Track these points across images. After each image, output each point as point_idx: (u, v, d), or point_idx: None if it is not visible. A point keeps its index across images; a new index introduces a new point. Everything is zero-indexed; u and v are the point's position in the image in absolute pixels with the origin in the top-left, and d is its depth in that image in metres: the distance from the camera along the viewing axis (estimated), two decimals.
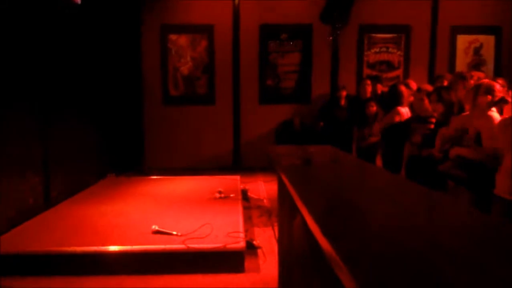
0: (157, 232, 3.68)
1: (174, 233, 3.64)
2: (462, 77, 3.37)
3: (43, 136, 4.72)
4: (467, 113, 3.48)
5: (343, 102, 6.82)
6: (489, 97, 3.21)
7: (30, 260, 3.38)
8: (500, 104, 3.30)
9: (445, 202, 1.75)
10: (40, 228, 3.96)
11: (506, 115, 3.18)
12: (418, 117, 4.18)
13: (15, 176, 4.18)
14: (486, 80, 3.43)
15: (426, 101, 4.09)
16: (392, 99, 4.69)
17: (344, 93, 6.83)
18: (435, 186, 3.19)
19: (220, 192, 5.08)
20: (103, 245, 3.49)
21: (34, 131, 4.57)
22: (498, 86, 3.31)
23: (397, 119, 4.54)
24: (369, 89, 6.09)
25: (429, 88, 4.33)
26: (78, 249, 3.43)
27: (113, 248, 3.45)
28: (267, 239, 4.07)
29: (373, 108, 5.42)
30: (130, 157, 7.24)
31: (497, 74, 7.22)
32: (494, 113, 3.20)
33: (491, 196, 2.88)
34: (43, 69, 4.73)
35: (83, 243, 3.53)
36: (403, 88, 4.72)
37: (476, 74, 4.18)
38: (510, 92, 3.51)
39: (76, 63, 5.54)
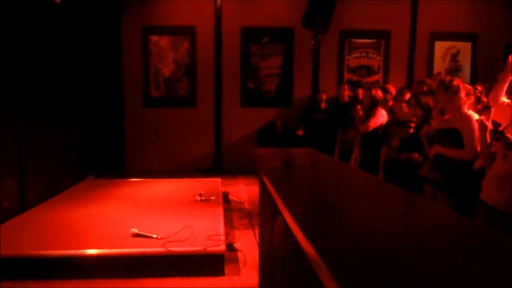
0: (136, 235, 3.64)
1: (154, 236, 3.61)
2: (443, 84, 3.43)
3: (19, 137, 4.60)
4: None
5: (323, 105, 6.89)
6: (462, 96, 3.24)
7: (5, 264, 3.29)
8: (484, 111, 3.37)
9: (422, 204, 1.79)
10: (15, 231, 3.86)
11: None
12: (396, 121, 4.25)
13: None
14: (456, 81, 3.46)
15: (404, 105, 4.16)
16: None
17: (324, 97, 6.90)
18: (413, 189, 3.23)
19: (200, 195, 5.05)
20: (81, 248, 3.43)
21: (8, 132, 4.46)
22: (468, 86, 3.39)
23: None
24: (346, 93, 6.19)
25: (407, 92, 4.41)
26: (55, 253, 3.36)
27: (92, 251, 3.40)
28: (248, 242, 4.07)
29: (360, 112, 5.47)
30: (110, 159, 7.14)
31: (473, 80, 7.42)
32: (471, 113, 3.26)
33: (472, 199, 2.93)
34: (20, 69, 4.62)
35: (60, 246, 3.46)
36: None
37: (458, 81, 4.28)
38: (486, 99, 3.59)
39: (55, 63, 5.44)
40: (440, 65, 7.89)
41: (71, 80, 5.97)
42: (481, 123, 2.93)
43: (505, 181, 2.68)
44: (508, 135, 2.80)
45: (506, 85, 3.36)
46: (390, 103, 4.79)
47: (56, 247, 3.44)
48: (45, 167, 5.12)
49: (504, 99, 3.43)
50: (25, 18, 4.72)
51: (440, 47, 7.90)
